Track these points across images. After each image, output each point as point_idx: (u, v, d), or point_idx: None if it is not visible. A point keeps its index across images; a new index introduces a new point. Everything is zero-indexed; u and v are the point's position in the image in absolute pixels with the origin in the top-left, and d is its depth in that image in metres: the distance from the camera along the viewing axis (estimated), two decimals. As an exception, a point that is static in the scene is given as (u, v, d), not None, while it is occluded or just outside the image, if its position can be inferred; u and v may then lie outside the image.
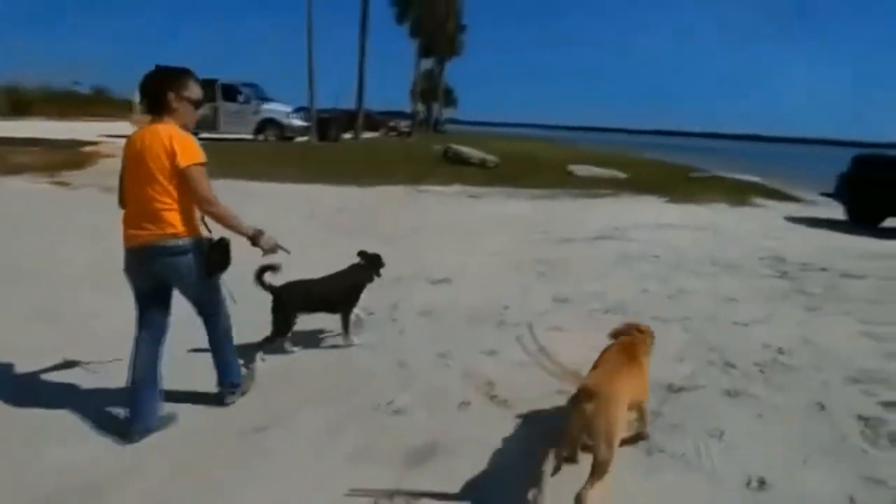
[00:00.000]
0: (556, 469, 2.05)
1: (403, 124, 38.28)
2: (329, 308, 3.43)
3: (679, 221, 8.51)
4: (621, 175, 14.82)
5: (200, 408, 2.70)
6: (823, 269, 5.95)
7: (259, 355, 3.15)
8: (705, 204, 10.62)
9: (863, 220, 9.52)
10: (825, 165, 17.58)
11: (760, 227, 8.57)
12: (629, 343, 2.44)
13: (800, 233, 8.30)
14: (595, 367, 2.32)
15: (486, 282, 5.01)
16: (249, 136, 18.65)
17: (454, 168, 14.06)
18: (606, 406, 1.97)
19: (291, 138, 19.77)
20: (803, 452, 2.50)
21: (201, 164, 2.35)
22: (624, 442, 2.27)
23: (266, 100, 19.91)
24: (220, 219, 2.39)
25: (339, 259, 3.55)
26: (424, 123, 48.34)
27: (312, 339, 3.54)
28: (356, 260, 3.61)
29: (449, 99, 72.23)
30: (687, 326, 4.02)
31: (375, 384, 3.00)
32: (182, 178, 2.30)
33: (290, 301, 3.19)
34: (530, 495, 2.07)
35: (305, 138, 20.42)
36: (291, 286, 3.24)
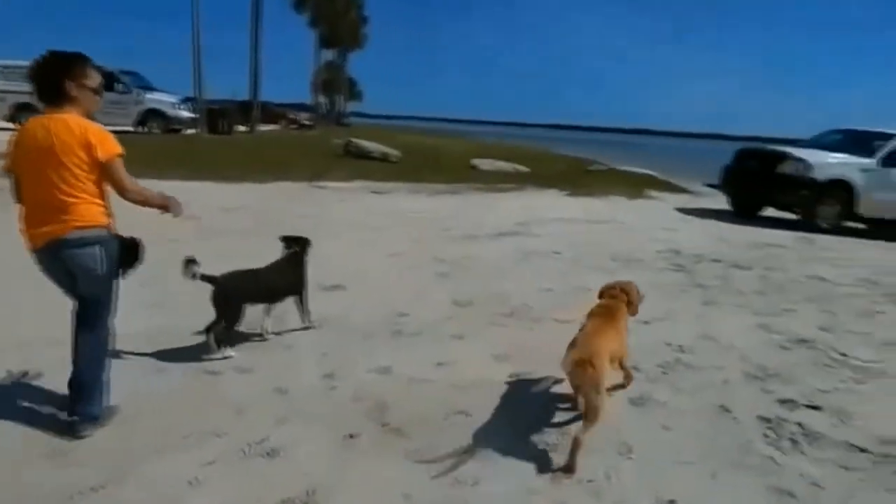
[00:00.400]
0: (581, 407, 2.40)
1: (304, 117, 36.95)
2: (273, 298, 3.38)
3: (580, 216, 8.58)
4: (524, 169, 14.97)
5: (30, 455, 2.17)
6: (716, 261, 6.13)
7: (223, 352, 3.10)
8: (604, 197, 10.87)
9: (744, 211, 10.11)
10: (710, 158, 18.72)
11: (656, 219, 8.83)
12: (609, 306, 2.82)
13: (691, 224, 8.63)
14: (581, 329, 2.65)
15: (383, 286, 4.65)
16: (130, 128, 17.10)
17: (356, 163, 13.56)
18: (592, 364, 2.33)
19: (178, 130, 18.36)
20: (711, 465, 2.37)
21: (120, 156, 2.32)
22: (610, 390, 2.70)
23: (149, 89, 18.34)
24: (144, 202, 2.40)
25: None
26: (327, 116, 47.05)
27: (174, 357, 3.04)
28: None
29: (353, 91, 70.82)
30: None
31: (247, 418, 2.56)
32: (102, 171, 2.29)
33: (236, 292, 3.08)
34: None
35: (194, 131, 19.05)
36: (236, 276, 3.13)
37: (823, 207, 8.69)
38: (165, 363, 3.02)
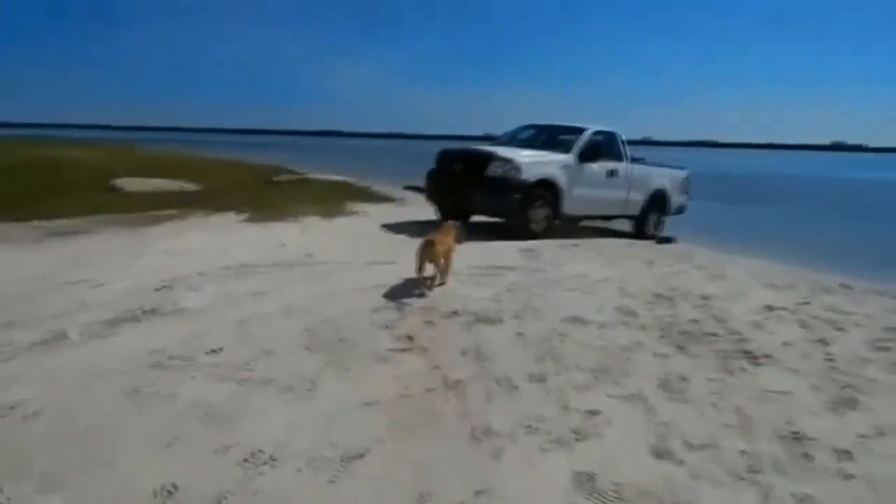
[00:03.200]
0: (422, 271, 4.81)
1: None
2: None
3: (261, 257, 6.04)
4: (191, 187, 11.69)
5: None
6: (453, 314, 4.33)
7: None
8: (295, 219, 8.50)
9: (454, 219, 8.90)
10: (400, 157, 18.09)
11: (363, 248, 6.84)
12: (445, 229, 5.26)
13: (409, 250, 6.84)
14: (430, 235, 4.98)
15: None
16: None
17: None
18: (441, 246, 4.88)
19: None
20: None
21: None
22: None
23: None
24: None
25: None
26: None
27: None
28: None
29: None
30: None
31: None
32: None
33: None
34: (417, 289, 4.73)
35: None
36: None
37: (535, 211, 7.88)
38: None
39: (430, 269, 4.92)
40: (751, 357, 3.74)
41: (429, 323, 4.15)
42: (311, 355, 3.49)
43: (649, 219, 9.60)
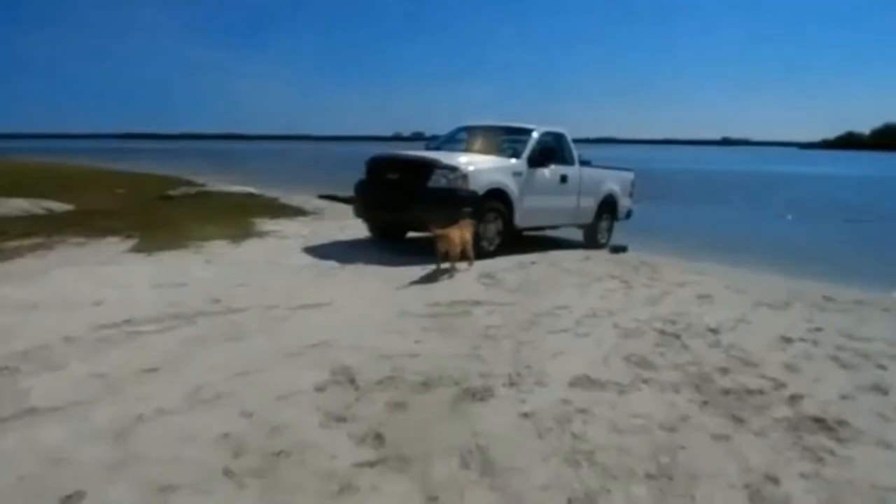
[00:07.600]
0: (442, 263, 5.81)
1: None
2: None
3: (153, 306, 4.52)
4: (60, 207, 9.70)
5: None
6: (426, 385, 3.19)
7: None
8: (196, 246, 6.97)
9: (388, 236, 7.76)
10: (303, 162, 16.78)
11: (283, 280, 5.52)
12: (462, 223, 5.91)
13: (339, 284, 5.58)
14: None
15: None
16: None
17: None
18: (457, 237, 5.77)
19: None
20: None
21: None
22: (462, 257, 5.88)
23: None
24: None
25: None
26: None
27: None
28: None
29: None
30: None
31: None
32: None
33: None
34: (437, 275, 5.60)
35: None
36: None
37: (486, 226, 6.85)
38: None
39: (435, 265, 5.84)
40: (826, 428, 2.88)
41: (398, 405, 2.99)
42: (237, 492, 2.23)
43: (601, 226, 8.90)
